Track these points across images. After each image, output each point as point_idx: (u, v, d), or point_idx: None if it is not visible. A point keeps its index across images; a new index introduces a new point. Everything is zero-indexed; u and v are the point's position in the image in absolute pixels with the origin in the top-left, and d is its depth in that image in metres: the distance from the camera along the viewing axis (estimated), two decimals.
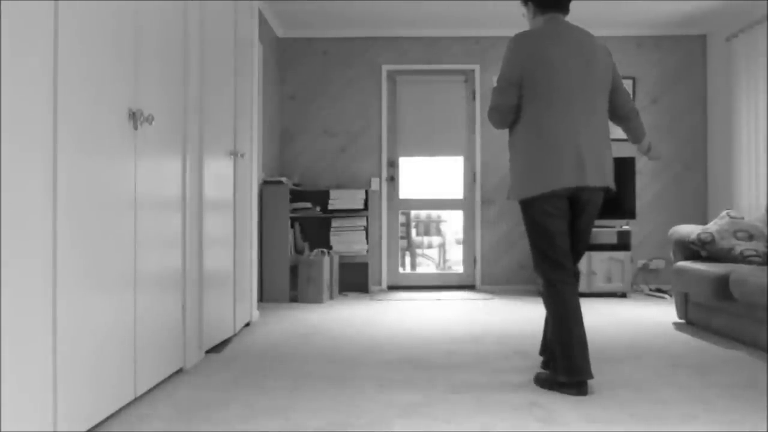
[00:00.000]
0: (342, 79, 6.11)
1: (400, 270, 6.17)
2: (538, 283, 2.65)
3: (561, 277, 2.56)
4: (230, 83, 3.60)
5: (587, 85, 2.55)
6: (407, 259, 7.14)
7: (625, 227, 5.57)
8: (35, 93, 1.69)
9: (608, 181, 2.58)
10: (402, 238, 6.71)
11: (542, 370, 2.82)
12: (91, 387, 2.01)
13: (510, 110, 2.61)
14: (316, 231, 5.97)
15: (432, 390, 2.57)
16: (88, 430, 2.01)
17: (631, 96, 6.02)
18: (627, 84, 6.04)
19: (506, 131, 6.08)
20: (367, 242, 5.74)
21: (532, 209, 2.57)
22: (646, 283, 6.05)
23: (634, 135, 2.80)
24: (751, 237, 3.97)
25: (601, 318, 4.39)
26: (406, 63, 6.10)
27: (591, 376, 2.47)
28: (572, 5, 5.35)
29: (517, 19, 5.75)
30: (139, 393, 2.37)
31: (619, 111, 2.75)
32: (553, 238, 2.56)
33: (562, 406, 2.34)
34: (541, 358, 3.08)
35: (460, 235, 6.25)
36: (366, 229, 5.75)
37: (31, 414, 1.69)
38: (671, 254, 4.33)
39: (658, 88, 6.07)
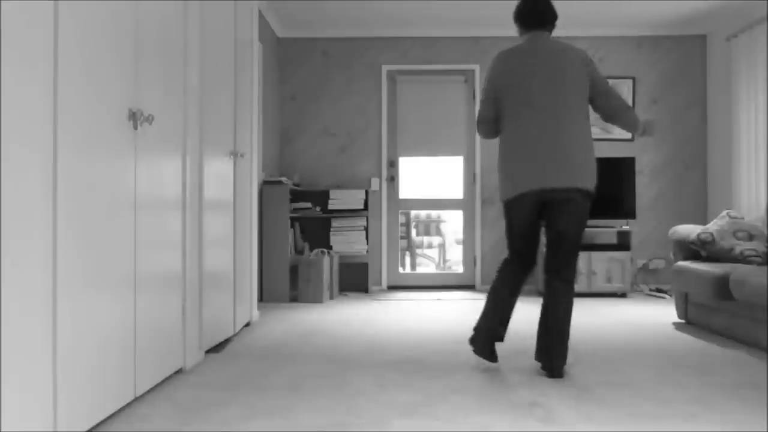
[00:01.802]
0: (342, 79, 6.11)
1: (400, 270, 6.18)
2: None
3: (511, 259, 2.93)
4: (230, 83, 3.60)
5: (554, 95, 2.77)
6: (407, 259, 7.14)
7: (625, 227, 5.57)
8: (35, 93, 1.69)
9: (578, 182, 2.73)
10: (402, 238, 6.71)
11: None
12: (91, 387, 2.01)
13: (489, 121, 2.95)
14: (316, 231, 5.97)
15: (432, 390, 2.57)
16: (89, 430, 2.01)
17: (631, 95, 6.02)
18: (627, 84, 6.04)
19: None
20: (367, 242, 5.74)
21: (508, 210, 2.90)
22: (646, 283, 6.05)
23: (628, 128, 2.91)
24: (751, 237, 3.97)
25: (601, 318, 4.39)
26: (406, 63, 6.10)
27: (481, 348, 2.88)
28: (573, 5, 5.35)
29: None
30: (139, 393, 2.38)
31: (606, 112, 2.88)
32: (521, 236, 2.90)
33: (562, 406, 2.34)
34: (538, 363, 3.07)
35: (460, 235, 6.25)
36: (366, 229, 5.75)
37: (32, 414, 1.69)
38: (671, 254, 4.33)
39: (658, 88, 6.07)
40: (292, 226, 5.62)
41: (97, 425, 2.11)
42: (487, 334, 2.90)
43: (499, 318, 2.91)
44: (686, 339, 3.67)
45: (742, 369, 2.94)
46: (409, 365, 3.00)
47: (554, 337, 2.74)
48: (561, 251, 2.80)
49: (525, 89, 2.79)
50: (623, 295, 5.54)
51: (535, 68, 2.80)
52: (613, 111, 2.85)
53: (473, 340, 2.95)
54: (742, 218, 4.09)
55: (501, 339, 2.93)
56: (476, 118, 2.94)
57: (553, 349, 2.74)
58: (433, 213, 7.81)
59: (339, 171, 6.09)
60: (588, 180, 2.76)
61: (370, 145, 6.10)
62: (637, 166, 6.04)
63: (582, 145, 2.76)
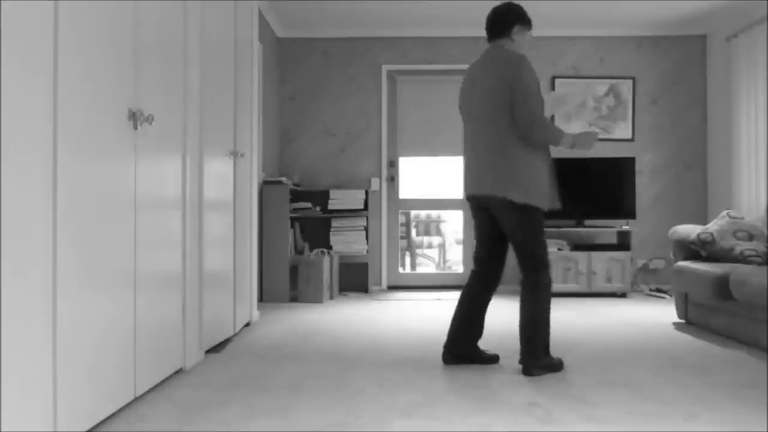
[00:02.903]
0: (342, 79, 6.11)
1: (400, 270, 6.17)
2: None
3: (473, 269, 3.07)
4: (230, 83, 3.60)
5: (476, 107, 2.90)
6: (407, 259, 7.14)
7: (625, 227, 5.57)
8: (35, 93, 1.69)
9: (494, 191, 2.83)
10: (402, 238, 6.71)
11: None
12: (91, 387, 2.01)
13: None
14: (316, 231, 5.97)
15: (432, 390, 2.57)
16: (88, 430, 2.01)
17: (631, 95, 6.01)
18: (627, 84, 6.03)
19: None
20: (367, 242, 5.74)
21: None
22: (646, 283, 6.05)
23: (548, 142, 2.81)
24: (751, 237, 3.97)
25: (601, 318, 4.39)
26: (407, 63, 6.10)
27: (445, 359, 3.01)
28: (573, 5, 5.35)
29: None
30: (139, 393, 2.38)
31: (517, 125, 2.78)
32: (476, 237, 3.08)
33: (561, 406, 2.34)
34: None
35: (460, 235, 6.25)
36: (366, 229, 5.75)
37: (32, 414, 1.69)
38: (671, 254, 4.33)
39: (658, 88, 6.07)
40: (292, 226, 5.62)
41: (97, 425, 2.11)
42: (447, 342, 3.04)
43: (456, 328, 3.01)
44: (686, 339, 3.67)
45: (742, 369, 2.94)
46: (409, 365, 3.00)
47: (520, 336, 2.86)
48: (516, 256, 2.93)
49: (465, 102, 3.00)
50: (623, 295, 5.54)
51: (472, 81, 2.94)
52: (522, 125, 2.75)
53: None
54: (742, 218, 4.09)
55: (463, 349, 3.00)
56: None
57: (521, 348, 2.85)
58: (433, 213, 7.80)
59: (339, 171, 6.09)
60: (504, 189, 2.80)
61: (370, 145, 6.10)
62: (637, 166, 6.03)
63: (499, 155, 2.81)
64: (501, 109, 2.79)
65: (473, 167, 2.94)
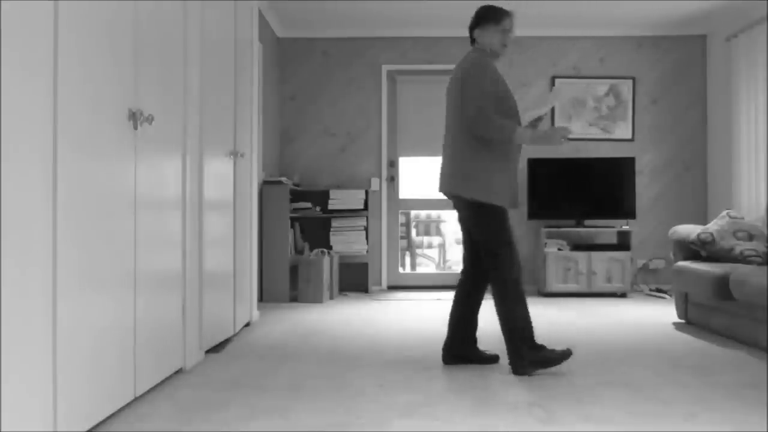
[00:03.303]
0: (342, 79, 6.10)
1: (400, 270, 6.17)
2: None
3: (463, 267, 3.10)
4: (230, 83, 3.60)
5: (448, 108, 2.96)
6: (407, 259, 7.14)
7: (625, 227, 5.57)
8: (35, 93, 1.69)
9: (451, 189, 2.90)
10: (402, 238, 6.71)
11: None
12: (91, 387, 2.01)
13: None
14: (316, 231, 5.97)
15: (432, 390, 2.57)
16: (88, 430, 2.01)
17: (631, 95, 6.01)
18: (627, 84, 6.03)
19: None
20: (367, 242, 5.74)
21: None
22: (646, 283, 6.05)
23: (498, 137, 2.79)
24: (751, 237, 3.97)
25: (601, 318, 4.39)
26: (407, 63, 6.10)
27: (445, 359, 3.01)
28: (573, 5, 5.35)
29: (516, 21, 5.74)
30: (139, 393, 2.38)
31: (465, 122, 2.83)
32: (462, 235, 3.14)
33: (561, 406, 2.34)
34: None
35: (460, 235, 6.24)
36: (366, 229, 5.75)
37: (32, 414, 1.69)
38: (671, 254, 4.33)
39: (658, 88, 6.07)
40: (292, 226, 5.62)
41: (98, 425, 2.11)
42: (446, 342, 3.05)
43: (453, 328, 3.02)
44: (686, 339, 3.67)
45: (742, 369, 2.94)
46: (409, 365, 3.00)
47: (503, 338, 2.88)
48: (481, 255, 2.95)
49: (446, 104, 3.01)
50: (623, 295, 5.54)
51: (451, 84, 2.98)
52: (467, 121, 2.79)
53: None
54: (742, 218, 4.09)
55: (462, 349, 3.01)
56: None
57: (506, 349, 2.86)
58: (433, 213, 7.80)
59: (339, 171, 6.09)
60: (457, 187, 2.87)
61: (370, 145, 6.10)
62: (637, 166, 6.03)
63: (456, 155, 2.88)
64: (458, 109, 2.86)
65: (443, 167, 3.02)
